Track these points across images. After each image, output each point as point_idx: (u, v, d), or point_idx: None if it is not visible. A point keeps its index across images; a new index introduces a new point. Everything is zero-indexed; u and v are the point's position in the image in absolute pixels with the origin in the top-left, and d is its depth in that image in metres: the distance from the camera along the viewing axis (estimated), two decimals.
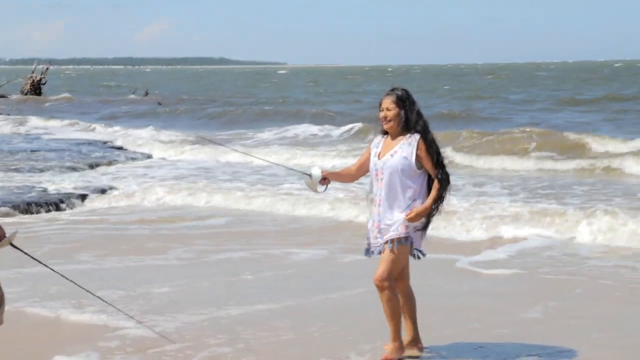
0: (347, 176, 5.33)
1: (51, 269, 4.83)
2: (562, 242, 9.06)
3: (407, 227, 4.95)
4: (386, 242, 4.98)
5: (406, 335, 5.22)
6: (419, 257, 5.13)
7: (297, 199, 11.50)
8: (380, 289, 4.98)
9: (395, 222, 4.97)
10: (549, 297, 6.85)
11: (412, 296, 5.22)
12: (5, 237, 4.15)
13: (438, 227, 9.23)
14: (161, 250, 8.94)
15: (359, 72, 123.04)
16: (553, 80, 66.00)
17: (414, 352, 5.24)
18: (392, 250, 4.95)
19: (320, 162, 17.00)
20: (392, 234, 4.96)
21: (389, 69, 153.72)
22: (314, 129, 23.98)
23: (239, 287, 7.22)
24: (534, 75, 79.27)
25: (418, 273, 7.41)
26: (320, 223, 10.42)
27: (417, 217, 4.94)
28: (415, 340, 5.27)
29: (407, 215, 4.93)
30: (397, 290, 5.07)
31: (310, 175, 5.21)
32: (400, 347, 5.09)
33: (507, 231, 9.53)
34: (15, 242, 4.21)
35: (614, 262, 8.21)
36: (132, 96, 45.37)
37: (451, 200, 5.15)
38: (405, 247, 4.97)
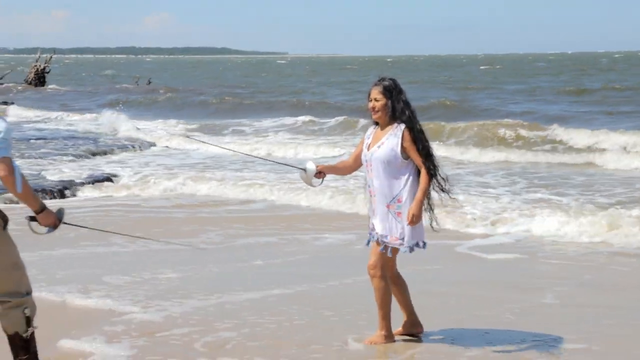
0: (344, 169, 5.37)
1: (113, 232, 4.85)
2: (565, 230, 9.06)
3: (397, 238, 5.01)
4: (379, 240, 5.07)
5: (404, 319, 5.33)
6: (423, 247, 5.13)
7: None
8: (372, 276, 5.11)
9: (384, 217, 5.02)
10: (555, 283, 6.88)
11: (402, 281, 5.29)
12: (59, 221, 4.22)
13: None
14: (194, 233, 9.01)
15: (358, 62, 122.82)
16: (551, 70, 65.76)
17: (412, 335, 5.34)
18: (384, 251, 5.05)
19: (314, 152, 16.99)
20: (387, 240, 5.03)
21: (389, 59, 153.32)
22: (304, 119, 23.78)
23: (250, 273, 7.27)
24: (533, 67, 78.97)
25: (420, 259, 7.47)
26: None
27: (416, 216, 4.96)
28: (414, 324, 5.35)
29: (408, 222, 4.96)
30: (388, 278, 5.16)
31: (304, 170, 5.25)
32: (386, 337, 5.19)
33: (505, 219, 9.56)
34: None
35: (621, 250, 8.24)
36: (133, 85, 45.33)
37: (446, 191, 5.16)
38: (395, 254, 5.07)
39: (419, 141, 4.98)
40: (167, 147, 18.97)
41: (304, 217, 10.11)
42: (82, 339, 5.24)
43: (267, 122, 24.08)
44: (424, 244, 5.12)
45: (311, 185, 5.33)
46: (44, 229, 4.22)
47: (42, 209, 4.15)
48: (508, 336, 5.45)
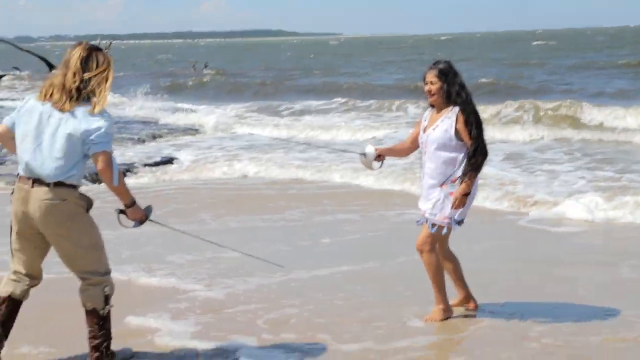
0: (401, 150, 5.42)
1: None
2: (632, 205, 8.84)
3: (447, 217, 5.02)
4: (427, 219, 5.10)
5: (458, 295, 5.38)
6: (458, 225, 5.15)
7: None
8: (420, 252, 5.16)
9: (437, 202, 5.04)
10: (630, 257, 6.74)
11: (454, 258, 5.33)
12: (145, 217, 4.39)
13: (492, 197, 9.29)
14: (278, 210, 9.17)
15: (412, 41, 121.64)
16: (609, 44, 63.99)
17: (468, 310, 5.38)
18: (435, 231, 5.09)
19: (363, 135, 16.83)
20: (432, 217, 5.06)
21: (443, 37, 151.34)
22: (340, 100, 23.58)
23: (318, 250, 7.31)
24: (592, 41, 77.09)
25: (486, 235, 7.39)
26: None
27: (461, 201, 4.98)
28: (467, 299, 5.40)
29: (452, 206, 4.98)
30: (439, 255, 5.21)
31: (364, 155, 5.31)
32: (444, 310, 5.22)
33: (574, 194, 9.38)
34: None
35: None
36: (190, 69, 45.78)
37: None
38: (441, 231, 5.08)
39: (472, 124, 4.99)
40: (223, 130, 19.08)
41: (375, 195, 10.10)
42: (148, 316, 5.33)
43: (311, 103, 24.08)
44: (461, 221, 5.14)
45: (371, 168, 5.41)
46: (131, 223, 4.39)
47: (132, 203, 4.31)
48: (579, 311, 5.37)
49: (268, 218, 8.86)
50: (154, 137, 17.32)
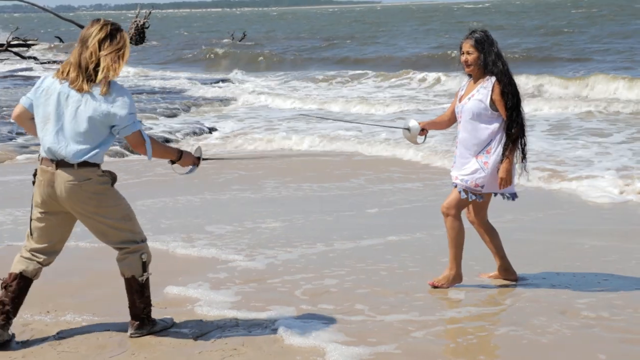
0: (442, 123, 5.40)
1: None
2: None
3: (477, 184, 5.03)
4: (456, 185, 5.12)
5: (497, 265, 5.43)
6: (509, 198, 5.20)
7: None
8: (445, 215, 5.17)
9: (470, 167, 5.04)
10: None
11: (492, 229, 5.34)
12: (198, 159, 4.51)
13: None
14: (342, 178, 9.31)
15: (447, 10, 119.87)
16: None
17: (507, 281, 5.40)
18: (465, 196, 5.09)
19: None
20: (461, 182, 5.07)
21: (487, 4, 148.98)
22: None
23: (362, 221, 7.32)
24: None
25: (539, 206, 7.33)
26: None
27: (505, 180, 5.00)
28: (507, 271, 5.41)
29: (500, 186, 5.00)
30: (478, 226, 5.28)
31: (408, 129, 5.33)
32: (454, 277, 5.24)
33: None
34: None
35: None
36: (229, 39, 45.78)
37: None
38: (471, 198, 5.08)
39: (508, 95, 4.96)
40: (256, 103, 18.93)
41: (423, 168, 10.09)
42: (188, 286, 5.39)
43: (345, 73, 23.94)
44: (512, 195, 5.16)
45: (415, 142, 5.43)
46: (185, 169, 4.52)
47: (179, 156, 4.42)
48: (625, 285, 5.33)
49: (327, 186, 8.96)
50: (188, 107, 17.40)
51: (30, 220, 4.30)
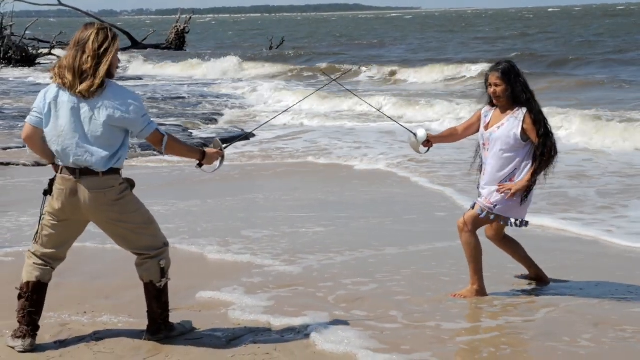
0: (451, 137, 5.48)
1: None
2: None
3: (490, 201, 5.10)
4: (475, 202, 5.23)
5: (529, 274, 5.54)
6: (518, 226, 5.21)
7: None
8: (460, 230, 5.23)
9: (488, 190, 5.14)
10: None
11: (512, 241, 5.44)
12: (221, 150, 4.55)
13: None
14: (384, 185, 9.31)
15: (485, 17, 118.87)
16: None
17: (540, 286, 5.47)
18: (480, 214, 5.15)
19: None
20: (480, 199, 5.17)
21: (525, 12, 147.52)
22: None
23: (396, 228, 7.32)
24: None
25: None
26: None
27: (515, 191, 5.04)
28: (539, 278, 5.51)
29: (506, 195, 5.06)
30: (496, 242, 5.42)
31: (415, 135, 5.33)
32: (477, 292, 5.23)
33: None
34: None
35: None
36: (267, 44, 45.97)
37: None
38: (486, 217, 5.14)
39: (539, 123, 5.05)
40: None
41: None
42: (222, 290, 5.42)
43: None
44: (522, 222, 5.20)
45: (417, 151, 5.44)
46: (214, 166, 4.56)
47: (202, 156, 4.45)
48: None
49: (369, 191, 9.00)
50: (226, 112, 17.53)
51: (40, 226, 4.31)
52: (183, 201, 8.45)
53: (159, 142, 4.26)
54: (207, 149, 4.51)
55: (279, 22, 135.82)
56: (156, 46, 43.60)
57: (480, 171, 5.31)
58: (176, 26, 44.42)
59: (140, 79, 28.43)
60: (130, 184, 4.33)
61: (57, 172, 4.24)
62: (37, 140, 4.25)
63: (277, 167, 11.03)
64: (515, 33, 51.80)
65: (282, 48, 42.96)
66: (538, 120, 5.07)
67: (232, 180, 9.94)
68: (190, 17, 46.06)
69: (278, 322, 4.79)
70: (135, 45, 42.75)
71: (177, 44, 43.78)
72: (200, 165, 4.50)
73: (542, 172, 5.09)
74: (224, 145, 4.62)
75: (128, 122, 4.16)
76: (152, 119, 4.27)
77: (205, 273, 5.87)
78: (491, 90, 5.16)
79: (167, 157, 11.23)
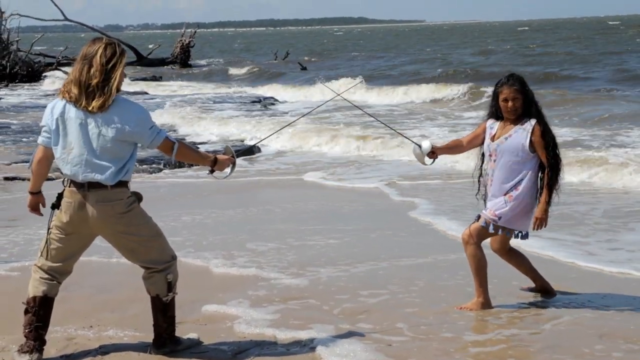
0: (456, 148, 5.49)
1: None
2: None
3: (495, 214, 5.10)
4: (479, 215, 5.22)
5: (535, 286, 5.53)
6: (521, 238, 5.23)
7: None
8: (464, 242, 5.25)
9: (493, 202, 5.14)
10: None
11: (517, 253, 5.45)
12: (233, 157, 4.57)
13: None
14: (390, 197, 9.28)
15: (486, 29, 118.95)
16: None
17: (546, 298, 5.46)
18: (484, 225, 5.16)
19: None
20: (483, 212, 5.18)
21: (526, 27, 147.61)
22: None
23: (401, 240, 7.32)
24: None
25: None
26: None
27: (541, 220, 5.07)
28: (544, 290, 5.49)
29: (533, 227, 5.10)
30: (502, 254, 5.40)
31: (420, 146, 5.31)
32: (483, 304, 5.23)
33: None
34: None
35: None
36: (272, 58, 46.14)
37: None
38: (491, 229, 5.15)
39: (547, 136, 5.05)
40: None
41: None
42: (228, 303, 5.41)
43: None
44: (526, 234, 5.21)
45: (422, 163, 5.42)
46: (226, 172, 4.56)
47: (214, 162, 4.47)
48: None
49: (376, 204, 8.87)
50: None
51: (47, 240, 4.31)
52: (189, 214, 8.46)
53: (169, 149, 4.27)
54: (218, 156, 4.52)
55: (284, 35, 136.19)
56: (162, 60, 43.74)
57: (479, 182, 5.33)
58: (181, 40, 44.58)
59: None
60: (138, 197, 4.34)
61: (65, 185, 4.26)
62: (47, 163, 4.28)
63: (283, 179, 11.05)
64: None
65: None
66: (547, 133, 5.06)
67: (238, 192, 9.95)
68: (195, 32, 46.25)
69: (284, 335, 4.78)
70: (141, 59, 42.89)
71: (182, 59, 43.92)
72: (212, 171, 4.52)
73: (555, 188, 5.08)
74: (237, 153, 4.65)
75: (136, 136, 4.17)
76: (160, 128, 4.28)
77: (211, 286, 5.86)
78: (509, 105, 5.09)
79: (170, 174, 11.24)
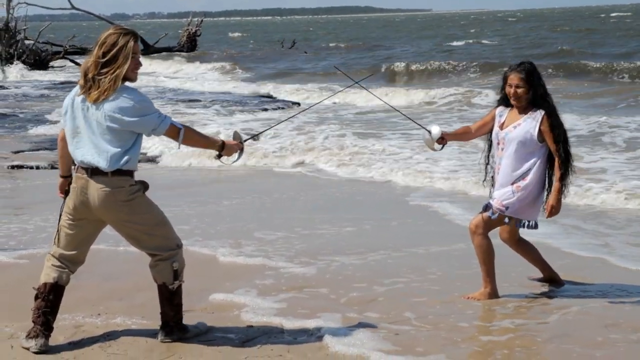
0: (464, 135, 5.48)
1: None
2: None
3: (502, 204, 5.09)
4: (487, 204, 5.21)
5: (543, 276, 5.54)
6: (530, 227, 5.20)
7: None
8: (471, 232, 5.23)
9: (504, 191, 5.11)
10: None
11: (526, 243, 5.42)
12: (241, 143, 4.52)
13: None
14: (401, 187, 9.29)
15: (488, 18, 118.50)
16: None
17: (554, 288, 5.45)
18: (490, 215, 5.15)
19: None
20: (492, 202, 5.15)
21: (518, 14, 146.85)
22: None
23: (408, 231, 7.31)
24: None
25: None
26: None
27: (555, 208, 5.07)
28: (552, 280, 5.49)
29: (546, 215, 5.10)
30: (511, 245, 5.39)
31: (430, 132, 5.30)
32: (490, 294, 5.21)
33: None
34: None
35: None
36: (279, 47, 46.08)
37: None
38: (498, 219, 5.14)
39: (556, 127, 5.02)
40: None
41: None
42: (235, 292, 5.42)
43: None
44: (535, 224, 5.19)
45: (432, 149, 5.40)
46: (233, 157, 4.52)
47: (221, 147, 4.43)
48: None
49: (385, 194, 8.85)
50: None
51: (59, 227, 4.35)
52: (198, 202, 8.46)
53: (176, 135, 4.24)
54: (226, 140, 4.49)
55: (290, 24, 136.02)
56: (168, 49, 43.71)
57: (486, 171, 5.32)
58: (188, 29, 44.50)
59: None
60: (144, 186, 4.33)
61: (73, 170, 4.29)
62: (65, 144, 4.33)
63: (293, 171, 11.04)
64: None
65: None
66: (557, 125, 5.03)
67: (246, 181, 9.96)
68: (202, 20, 46.15)
69: (291, 324, 4.78)
70: (147, 48, 42.86)
71: (188, 47, 43.85)
72: (219, 156, 4.49)
73: (567, 180, 5.06)
74: (245, 139, 4.62)
75: (135, 126, 4.14)
76: (165, 114, 4.25)
77: (218, 275, 5.87)
78: (511, 90, 5.08)
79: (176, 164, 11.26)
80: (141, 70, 4.35)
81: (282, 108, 18.91)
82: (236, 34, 79.54)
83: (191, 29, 44.17)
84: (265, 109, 18.49)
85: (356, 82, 5.68)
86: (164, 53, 40.15)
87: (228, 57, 39.74)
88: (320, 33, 77.50)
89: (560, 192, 5.06)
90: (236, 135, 4.59)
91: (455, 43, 43.41)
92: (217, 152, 4.47)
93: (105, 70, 4.10)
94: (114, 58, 4.10)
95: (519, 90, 5.06)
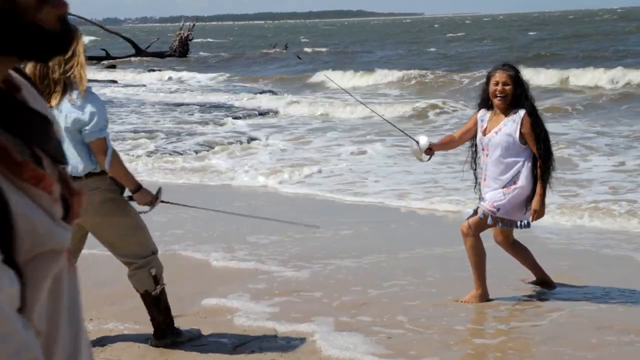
0: (450, 144, 5.49)
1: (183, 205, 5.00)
2: None
3: (494, 205, 5.11)
4: (478, 207, 5.24)
5: (535, 279, 5.54)
6: (522, 227, 5.24)
7: None
8: (463, 234, 5.24)
9: (491, 194, 5.13)
10: None
11: (520, 246, 5.44)
12: (156, 199, 4.39)
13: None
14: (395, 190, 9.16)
15: (483, 21, 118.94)
16: None
17: (546, 289, 5.47)
18: (482, 217, 5.17)
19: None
20: (484, 204, 5.17)
21: (534, 15, 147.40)
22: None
23: (399, 234, 7.30)
24: None
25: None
26: None
27: (539, 212, 5.09)
28: (544, 282, 5.49)
29: (532, 219, 5.12)
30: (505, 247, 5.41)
31: (417, 143, 5.31)
32: (481, 296, 5.22)
33: None
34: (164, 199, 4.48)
35: None
36: (273, 50, 46.10)
37: None
38: (490, 221, 5.16)
39: (537, 127, 5.03)
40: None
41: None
42: (228, 296, 5.41)
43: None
44: (527, 223, 5.21)
45: (420, 159, 5.44)
46: (143, 208, 4.38)
47: (137, 188, 4.31)
48: None
49: (377, 198, 8.88)
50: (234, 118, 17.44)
51: None
52: (187, 208, 8.41)
53: (103, 152, 4.14)
54: (144, 187, 4.38)
55: (283, 28, 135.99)
56: (160, 54, 43.68)
57: (475, 177, 5.33)
58: (180, 34, 44.48)
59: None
60: (121, 187, 4.29)
61: None
62: None
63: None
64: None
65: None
66: (537, 124, 5.04)
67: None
68: (194, 25, 46.14)
69: (284, 328, 4.78)
70: (139, 53, 42.81)
71: (180, 52, 43.82)
72: (130, 197, 4.36)
73: (549, 179, 5.08)
74: (162, 200, 4.43)
75: (78, 122, 4.08)
76: (106, 131, 4.15)
77: (211, 279, 5.86)
78: (498, 88, 5.07)
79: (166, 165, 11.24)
80: (100, 78, 4.31)
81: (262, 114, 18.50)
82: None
83: (183, 34, 44.15)
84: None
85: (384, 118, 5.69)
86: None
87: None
88: (307, 37, 77.46)
89: (543, 195, 5.07)
90: (159, 192, 4.42)
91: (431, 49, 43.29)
92: (130, 195, 4.36)
93: (81, 71, 4.08)
94: (81, 57, 4.06)
95: (507, 88, 5.06)
